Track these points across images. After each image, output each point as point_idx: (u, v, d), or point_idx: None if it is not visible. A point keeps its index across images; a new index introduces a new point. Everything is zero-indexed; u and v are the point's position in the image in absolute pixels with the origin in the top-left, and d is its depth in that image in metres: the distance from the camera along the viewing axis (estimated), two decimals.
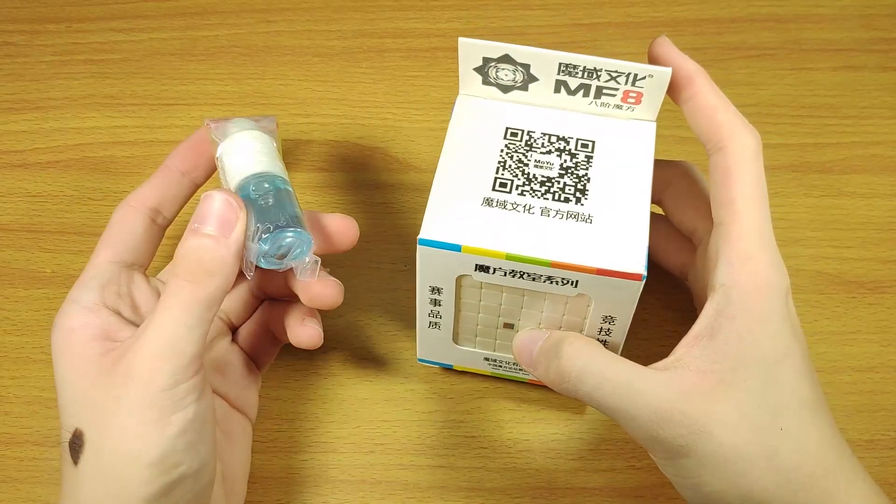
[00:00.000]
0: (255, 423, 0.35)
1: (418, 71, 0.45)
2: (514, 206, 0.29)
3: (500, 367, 0.36)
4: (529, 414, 0.37)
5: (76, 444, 0.27)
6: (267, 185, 0.29)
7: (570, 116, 0.31)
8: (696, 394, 0.27)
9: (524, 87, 0.31)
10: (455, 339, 0.34)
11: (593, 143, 0.31)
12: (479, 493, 0.35)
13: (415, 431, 0.36)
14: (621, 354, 0.34)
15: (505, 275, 0.29)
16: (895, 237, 0.41)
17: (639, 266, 0.28)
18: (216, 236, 0.27)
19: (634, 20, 0.47)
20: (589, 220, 0.29)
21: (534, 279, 0.29)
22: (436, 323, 0.33)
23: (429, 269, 0.30)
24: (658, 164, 0.31)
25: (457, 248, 0.28)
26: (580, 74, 0.30)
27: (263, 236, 0.28)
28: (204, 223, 0.27)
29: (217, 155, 0.31)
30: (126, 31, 0.47)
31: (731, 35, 0.46)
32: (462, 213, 0.29)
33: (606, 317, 0.30)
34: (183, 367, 0.26)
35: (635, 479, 0.35)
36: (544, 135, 0.31)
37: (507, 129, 0.31)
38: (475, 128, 0.31)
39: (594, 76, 0.30)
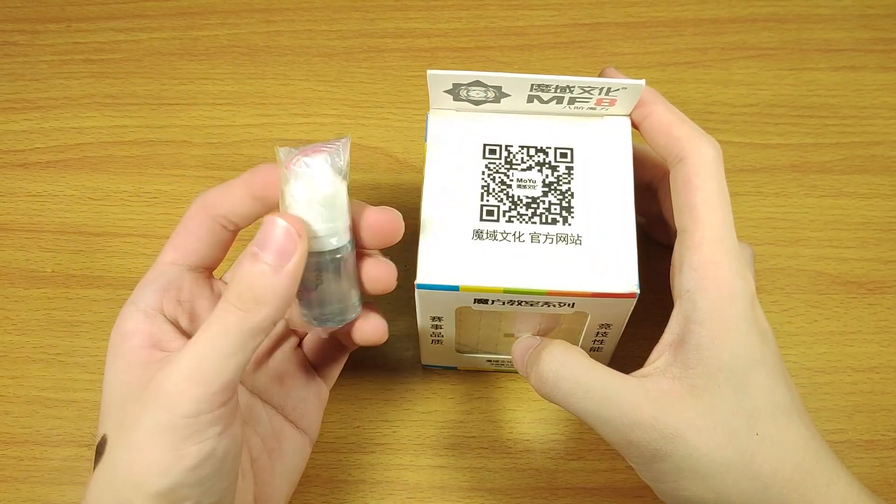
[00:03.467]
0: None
1: (418, 71, 0.45)
2: (504, 235, 0.29)
3: (503, 365, 0.36)
4: (529, 414, 0.37)
5: (99, 451, 0.26)
6: (331, 262, 0.28)
7: (545, 122, 0.31)
8: (667, 399, 0.27)
9: (496, 101, 0.30)
10: (458, 350, 0.35)
11: (571, 150, 0.31)
12: (479, 493, 0.35)
13: (415, 431, 0.36)
14: (615, 354, 0.35)
15: (504, 304, 0.29)
16: (895, 237, 0.41)
17: (632, 285, 0.28)
18: (273, 265, 0.26)
19: (634, 20, 0.47)
20: (578, 241, 0.29)
21: (531, 304, 0.29)
22: (438, 340, 0.34)
23: (428, 306, 0.30)
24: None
25: (455, 288, 0.29)
26: (553, 90, 0.29)
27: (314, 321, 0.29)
28: (263, 249, 0.26)
29: (284, 191, 0.28)
30: (126, 31, 0.47)
31: (731, 35, 0.46)
32: (454, 249, 0.29)
33: (602, 324, 0.31)
34: (209, 395, 0.25)
35: (635, 479, 0.35)
36: (522, 148, 0.31)
37: (485, 146, 0.31)
38: (453, 148, 0.31)
39: (567, 91, 0.29)
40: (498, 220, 0.30)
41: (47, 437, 0.37)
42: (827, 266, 0.40)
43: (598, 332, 0.32)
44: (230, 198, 0.30)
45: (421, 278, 0.29)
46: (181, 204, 0.42)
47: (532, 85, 0.29)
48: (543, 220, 0.29)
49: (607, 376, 0.28)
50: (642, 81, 0.29)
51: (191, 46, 0.46)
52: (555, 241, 0.29)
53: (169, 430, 0.25)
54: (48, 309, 0.39)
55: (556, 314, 0.31)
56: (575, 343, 0.33)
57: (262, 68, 0.46)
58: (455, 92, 0.30)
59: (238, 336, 0.25)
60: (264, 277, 0.25)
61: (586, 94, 0.30)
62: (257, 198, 0.30)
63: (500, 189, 0.30)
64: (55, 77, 0.45)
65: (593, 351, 0.34)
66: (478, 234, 0.29)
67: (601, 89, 0.29)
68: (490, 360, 0.36)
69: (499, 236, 0.29)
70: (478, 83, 0.29)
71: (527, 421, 0.37)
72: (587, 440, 0.36)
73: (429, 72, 0.29)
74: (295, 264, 0.26)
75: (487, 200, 0.30)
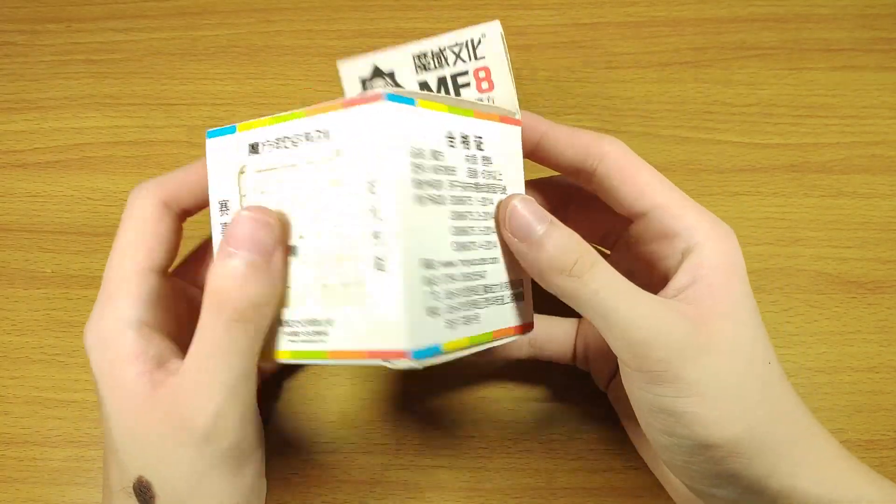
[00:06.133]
0: None
1: None
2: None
3: (297, 335, 0.26)
4: (529, 414, 0.37)
5: (145, 495, 0.26)
6: None
7: None
8: (704, 321, 0.26)
9: None
10: None
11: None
12: (479, 493, 0.35)
13: (415, 431, 0.36)
14: None
15: (274, 147, 0.25)
16: (895, 237, 0.41)
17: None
18: (256, 262, 0.24)
19: (634, 20, 0.47)
20: None
21: (295, 143, 0.25)
22: None
23: (215, 171, 0.27)
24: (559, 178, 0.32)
25: (232, 129, 0.26)
26: (433, 65, 0.29)
27: None
28: (239, 247, 0.24)
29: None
30: (126, 31, 0.47)
31: (731, 35, 0.46)
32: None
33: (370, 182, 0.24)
34: (246, 417, 0.26)
35: (635, 479, 0.35)
36: None
37: None
38: None
39: (444, 62, 0.29)
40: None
41: (47, 438, 0.37)
42: (827, 266, 0.40)
43: None
44: (192, 189, 0.29)
45: (213, 130, 0.26)
46: None
47: (414, 58, 0.29)
48: None
49: (640, 290, 0.26)
50: (496, 21, 0.30)
51: (191, 46, 0.46)
52: None
53: (222, 463, 0.25)
54: (48, 309, 0.39)
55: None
56: None
57: (262, 68, 0.46)
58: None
59: (253, 351, 0.25)
60: (253, 278, 0.24)
61: (461, 64, 0.30)
62: None
63: None
64: (55, 77, 0.45)
65: None
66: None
67: (467, 45, 0.29)
68: (287, 325, 0.26)
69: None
70: (377, 73, 0.29)
71: (527, 421, 0.37)
72: (587, 440, 0.36)
73: (339, 63, 0.29)
74: (279, 259, 0.25)
75: None
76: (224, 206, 0.26)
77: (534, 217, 0.26)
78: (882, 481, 0.28)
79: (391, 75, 0.29)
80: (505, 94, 0.31)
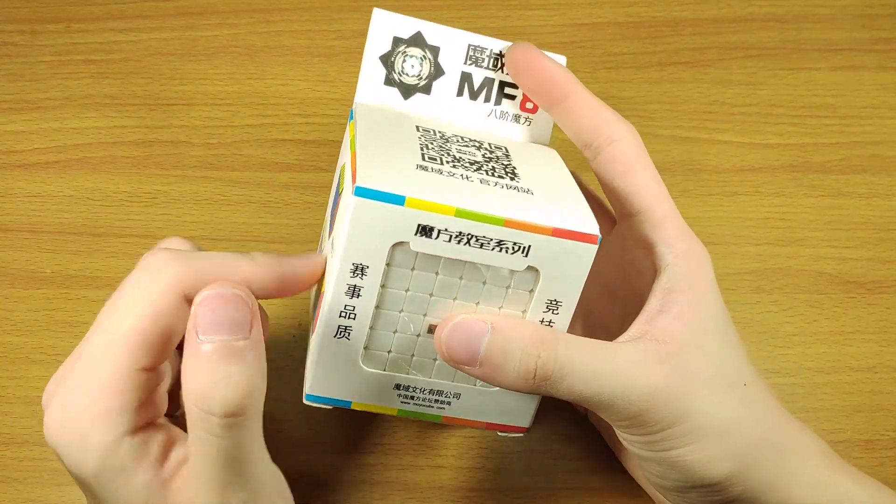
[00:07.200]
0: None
1: None
2: (451, 174, 0.26)
3: (412, 399, 0.29)
4: None
5: None
6: None
7: (473, 125, 0.31)
8: (676, 360, 0.26)
9: (427, 89, 0.30)
10: (366, 354, 0.28)
11: (505, 147, 0.30)
12: (478, 493, 0.35)
13: (415, 431, 0.37)
14: None
15: (450, 240, 0.25)
16: (895, 237, 0.41)
17: (593, 227, 0.26)
18: (236, 343, 0.21)
19: (634, 20, 0.47)
20: (530, 192, 0.27)
21: (482, 245, 0.25)
22: (346, 328, 0.27)
23: (359, 234, 0.25)
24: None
25: (400, 200, 0.24)
26: (486, 63, 0.29)
27: None
28: (211, 332, 0.21)
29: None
30: (126, 31, 0.47)
31: (730, 35, 0.46)
32: (397, 170, 0.25)
33: (551, 302, 0.27)
34: None
35: (635, 480, 0.35)
36: (455, 135, 0.30)
37: (417, 126, 0.29)
38: (383, 125, 0.29)
39: (498, 65, 0.30)
40: (442, 164, 0.27)
41: None
42: (826, 266, 0.40)
43: (541, 321, 0.27)
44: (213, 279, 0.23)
45: (362, 181, 0.24)
46: (180, 205, 0.42)
47: (469, 47, 0.29)
48: (490, 174, 0.27)
49: (608, 351, 0.26)
50: (563, 57, 0.30)
51: (190, 46, 0.46)
52: (505, 188, 0.26)
53: None
54: (48, 310, 0.39)
55: (498, 294, 0.27)
56: None
57: (262, 68, 0.46)
58: (389, 62, 0.29)
59: (247, 453, 0.23)
60: (239, 372, 0.21)
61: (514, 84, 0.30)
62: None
63: (439, 149, 0.28)
64: (54, 77, 0.45)
65: None
66: (422, 168, 0.26)
67: None
68: (399, 389, 0.29)
69: (445, 173, 0.26)
70: (418, 40, 0.29)
71: None
72: (587, 440, 0.36)
73: (375, 10, 0.28)
74: (257, 332, 0.22)
75: (428, 153, 0.27)
76: (359, 269, 0.26)
77: (474, 333, 0.26)
78: (865, 479, 0.28)
79: (435, 50, 0.29)
80: (545, 123, 0.31)
